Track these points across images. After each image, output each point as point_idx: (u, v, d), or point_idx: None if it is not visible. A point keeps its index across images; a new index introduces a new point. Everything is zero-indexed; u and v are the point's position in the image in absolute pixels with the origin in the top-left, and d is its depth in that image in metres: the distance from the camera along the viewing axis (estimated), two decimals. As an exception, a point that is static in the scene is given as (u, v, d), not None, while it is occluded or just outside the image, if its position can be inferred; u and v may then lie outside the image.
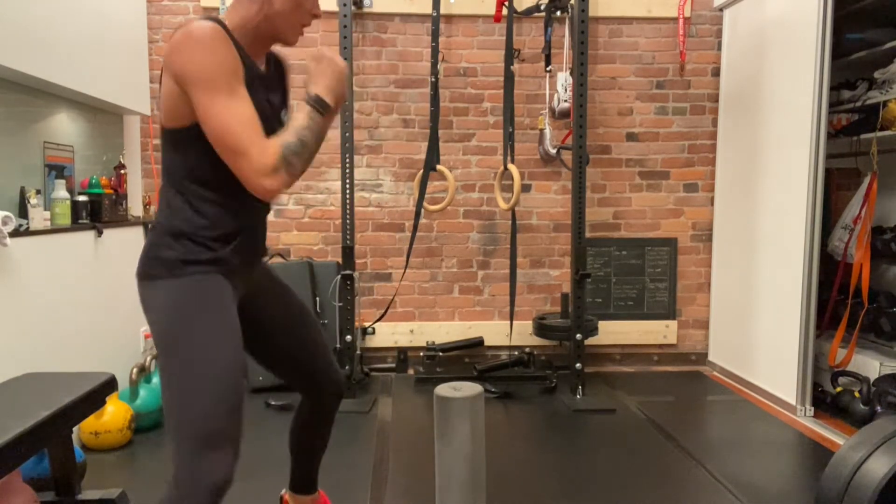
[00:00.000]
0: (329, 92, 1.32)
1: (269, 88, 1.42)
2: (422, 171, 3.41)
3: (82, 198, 2.73)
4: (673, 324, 3.89)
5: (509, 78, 3.33)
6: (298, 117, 1.29)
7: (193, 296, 1.32)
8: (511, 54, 3.33)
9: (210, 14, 3.54)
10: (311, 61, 1.35)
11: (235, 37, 1.30)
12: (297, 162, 1.25)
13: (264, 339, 1.58)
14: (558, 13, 3.52)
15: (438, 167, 3.39)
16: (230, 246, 1.36)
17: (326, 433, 1.76)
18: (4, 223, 2.08)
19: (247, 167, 1.22)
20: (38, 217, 2.37)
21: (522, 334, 3.73)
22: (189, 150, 1.30)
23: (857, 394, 2.88)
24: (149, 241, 1.36)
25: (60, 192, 2.55)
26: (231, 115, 1.21)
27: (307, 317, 1.65)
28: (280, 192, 1.27)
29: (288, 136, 1.25)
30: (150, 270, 1.33)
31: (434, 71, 3.38)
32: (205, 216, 1.33)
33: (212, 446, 1.28)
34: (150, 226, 1.34)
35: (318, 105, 1.29)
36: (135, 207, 3.37)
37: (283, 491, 1.87)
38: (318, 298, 3.45)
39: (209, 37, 1.21)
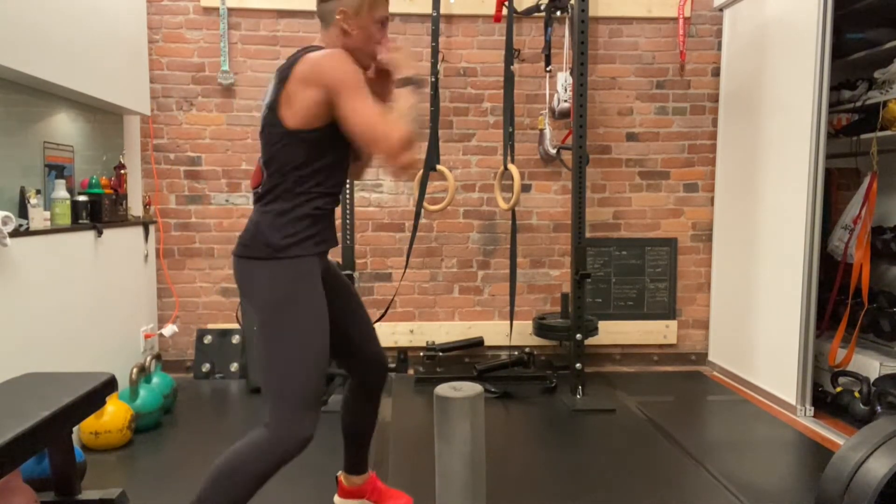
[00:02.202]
0: (410, 120, 1.58)
1: None
2: (422, 171, 3.41)
3: (82, 198, 2.73)
4: (673, 324, 3.89)
5: (509, 78, 3.33)
6: (400, 103, 1.58)
7: (299, 276, 1.57)
8: (511, 54, 3.33)
9: (210, 16, 3.56)
10: (393, 55, 1.66)
11: None
12: (416, 138, 1.54)
13: (331, 321, 1.75)
14: (558, 13, 3.52)
15: (438, 167, 3.39)
16: (326, 232, 1.65)
17: (374, 414, 1.99)
18: (4, 223, 2.08)
19: (387, 146, 1.49)
20: (38, 217, 2.37)
21: (522, 334, 3.73)
22: (314, 148, 1.57)
23: (857, 394, 2.88)
24: (259, 225, 1.59)
25: (60, 192, 2.55)
26: (371, 110, 1.51)
27: (358, 300, 1.90)
28: (411, 168, 1.56)
29: (404, 119, 1.54)
30: (258, 252, 1.57)
31: (434, 71, 3.38)
32: (314, 205, 1.60)
33: (308, 407, 1.54)
34: (260, 210, 1.61)
35: (417, 83, 1.61)
36: (135, 207, 3.38)
37: (339, 473, 2.07)
38: (318, 298, 3.45)
39: (345, 55, 1.55)
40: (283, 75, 1.54)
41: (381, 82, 1.72)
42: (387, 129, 1.50)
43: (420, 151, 3.66)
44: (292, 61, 1.55)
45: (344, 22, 1.62)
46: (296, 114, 1.53)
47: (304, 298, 1.56)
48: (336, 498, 2.07)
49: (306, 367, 1.54)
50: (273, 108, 1.56)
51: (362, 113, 1.50)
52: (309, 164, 1.57)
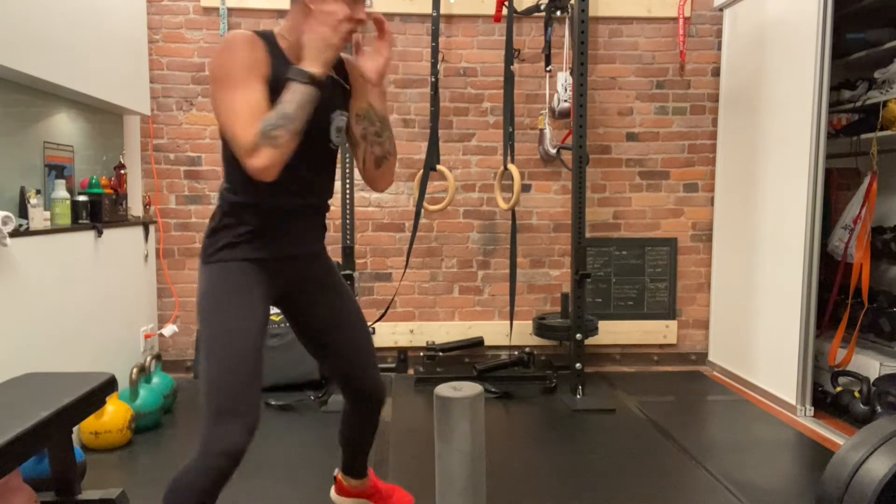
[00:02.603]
0: (314, 59, 1.40)
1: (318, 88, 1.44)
2: (422, 171, 3.41)
3: (82, 198, 2.73)
4: (673, 324, 3.89)
5: (509, 78, 3.33)
6: (284, 92, 1.38)
7: (219, 282, 1.49)
8: (511, 54, 3.33)
9: (210, 16, 3.55)
10: (305, 34, 1.43)
11: (283, 43, 1.49)
12: (280, 133, 1.34)
13: (311, 334, 1.71)
14: (558, 13, 3.52)
15: (438, 167, 3.39)
16: (264, 239, 1.53)
17: (369, 433, 1.88)
18: (4, 223, 2.08)
19: (237, 150, 1.37)
20: (38, 217, 2.37)
21: (522, 334, 3.73)
22: (225, 152, 1.50)
23: (857, 394, 2.88)
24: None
25: (60, 192, 2.55)
26: (231, 105, 1.37)
27: (354, 321, 1.73)
28: (273, 169, 1.36)
29: (269, 113, 1.36)
30: (201, 254, 1.54)
31: (434, 71, 3.38)
32: (232, 213, 1.51)
33: (225, 419, 1.40)
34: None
35: (298, 77, 1.38)
36: (135, 207, 3.37)
37: (336, 471, 2.01)
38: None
39: (232, 41, 1.41)
40: None
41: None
42: (240, 127, 1.35)
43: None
44: None
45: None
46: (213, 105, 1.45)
47: (218, 306, 1.47)
48: (333, 495, 2.04)
49: (217, 379, 1.42)
50: None
51: (219, 107, 1.39)
52: (228, 164, 1.50)
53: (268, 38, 1.47)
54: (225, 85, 1.38)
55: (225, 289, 1.48)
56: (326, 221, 1.72)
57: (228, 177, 1.53)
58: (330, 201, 1.69)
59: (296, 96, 1.36)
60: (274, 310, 3.47)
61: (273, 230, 1.54)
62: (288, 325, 3.32)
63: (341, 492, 2.02)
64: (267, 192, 1.46)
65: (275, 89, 1.40)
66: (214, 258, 1.50)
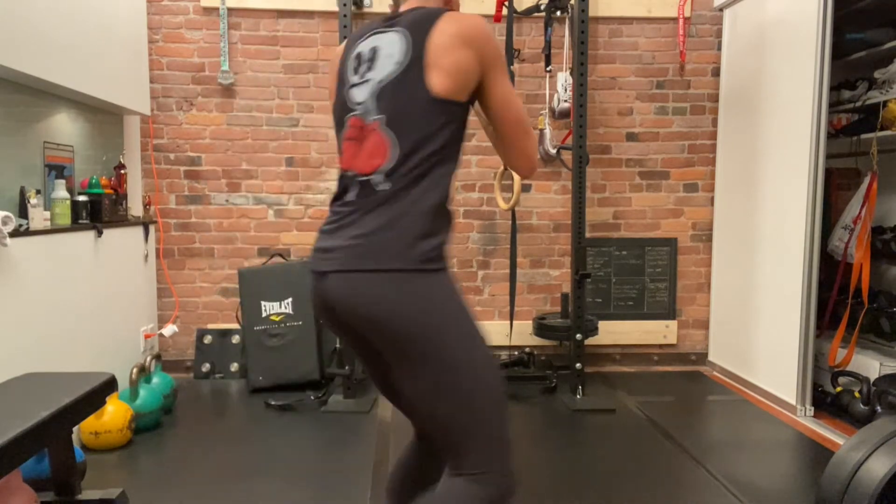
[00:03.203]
0: None
1: None
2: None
3: (82, 198, 2.73)
4: (673, 324, 3.89)
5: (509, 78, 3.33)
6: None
7: (452, 289, 1.23)
8: (511, 54, 3.33)
9: (210, 16, 3.56)
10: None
11: None
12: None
13: None
14: (558, 13, 3.52)
15: (438, 167, 3.38)
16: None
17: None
18: (4, 223, 2.08)
19: (531, 145, 1.32)
20: (38, 217, 2.37)
21: (522, 334, 3.73)
22: (454, 124, 1.26)
23: (857, 394, 2.88)
24: (404, 222, 1.19)
25: (60, 192, 2.55)
26: (517, 99, 1.32)
27: None
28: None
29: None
30: (399, 261, 1.17)
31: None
32: (446, 207, 1.27)
33: (509, 444, 1.27)
34: (391, 203, 1.20)
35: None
36: (135, 207, 3.38)
37: None
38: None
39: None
40: (415, 29, 1.23)
41: None
42: (529, 126, 1.33)
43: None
44: (422, 16, 1.25)
45: None
46: (452, 79, 1.21)
47: (465, 316, 1.23)
48: None
49: (500, 397, 1.25)
50: (412, 67, 1.21)
51: (513, 98, 1.30)
52: (454, 143, 1.27)
53: None
54: (504, 72, 1.28)
55: (461, 300, 1.24)
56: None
57: (455, 146, 1.28)
58: None
59: None
60: (274, 310, 3.46)
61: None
62: (288, 325, 3.34)
63: None
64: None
65: None
66: (440, 265, 1.22)
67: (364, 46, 1.31)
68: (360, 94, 1.28)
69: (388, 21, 1.31)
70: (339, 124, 1.34)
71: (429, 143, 1.22)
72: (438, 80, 1.20)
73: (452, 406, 1.20)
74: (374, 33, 1.30)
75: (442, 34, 1.21)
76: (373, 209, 1.21)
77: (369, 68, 1.27)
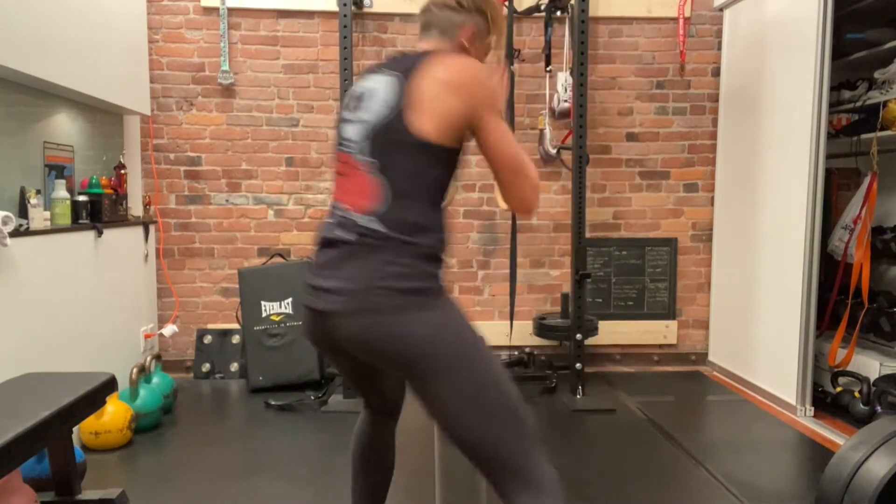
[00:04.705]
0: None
1: None
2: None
3: (82, 198, 2.73)
4: (673, 324, 3.89)
5: (509, 78, 3.33)
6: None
7: (455, 311, 1.35)
8: (511, 54, 3.33)
9: (210, 16, 3.55)
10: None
11: None
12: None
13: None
14: (558, 13, 3.52)
15: (438, 167, 3.38)
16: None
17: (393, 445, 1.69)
18: (4, 223, 2.08)
19: (529, 188, 1.34)
20: (38, 217, 2.37)
21: (522, 334, 3.73)
22: (444, 168, 1.34)
23: (857, 394, 2.88)
24: (394, 264, 1.24)
25: (60, 192, 2.55)
26: (513, 140, 1.35)
27: None
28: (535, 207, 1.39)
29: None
30: (418, 295, 1.25)
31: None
32: (441, 237, 1.33)
33: (539, 449, 1.31)
34: (378, 243, 1.26)
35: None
36: (135, 207, 3.38)
37: None
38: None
39: (488, 71, 1.35)
40: (407, 74, 1.29)
41: None
42: (529, 166, 1.34)
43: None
44: (417, 61, 1.31)
45: (469, 43, 1.46)
46: (438, 126, 1.28)
47: (471, 335, 1.35)
48: None
49: (521, 408, 1.29)
50: (401, 112, 1.27)
51: (505, 140, 1.33)
52: (441, 188, 1.34)
53: None
54: (496, 114, 1.33)
55: (465, 319, 1.36)
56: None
57: (442, 190, 1.35)
58: None
59: None
60: (274, 310, 3.46)
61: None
62: (288, 325, 3.34)
63: None
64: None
65: None
66: (441, 293, 1.32)
67: (363, 85, 1.38)
68: (349, 132, 1.35)
69: (394, 61, 1.37)
70: (335, 155, 1.43)
71: (418, 187, 1.29)
72: (424, 126, 1.26)
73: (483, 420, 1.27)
74: (376, 73, 1.37)
75: (430, 79, 1.27)
76: (370, 251, 1.25)
77: (362, 108, 1.34)
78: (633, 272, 3.88)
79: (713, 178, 3.84)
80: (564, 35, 3.55)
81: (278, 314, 3.36)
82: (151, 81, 3.52)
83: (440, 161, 1.32)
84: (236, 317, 3.63)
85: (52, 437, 1.59)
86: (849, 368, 3.04)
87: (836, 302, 3.34)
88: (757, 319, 3.35)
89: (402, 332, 1.22)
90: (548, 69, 3.56)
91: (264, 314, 3.36)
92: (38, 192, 2.41)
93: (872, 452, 1.69)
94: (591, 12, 3.38)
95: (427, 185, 1.30)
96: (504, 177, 1.35)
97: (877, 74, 3.09)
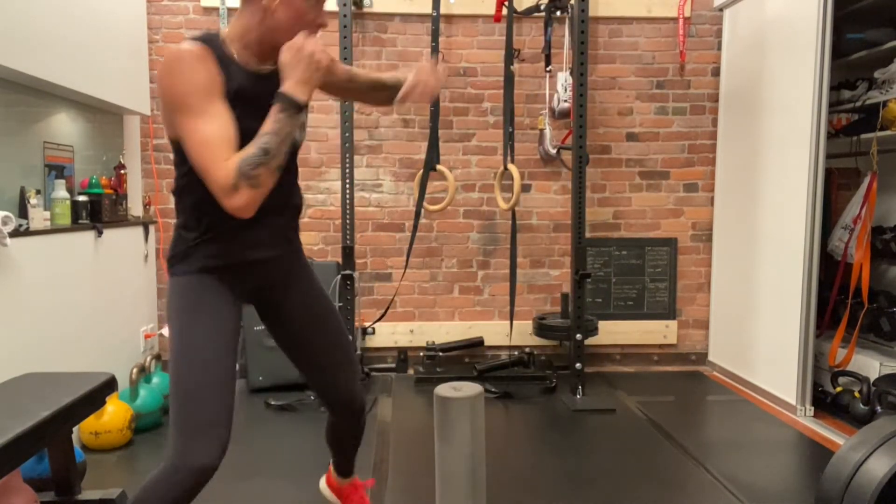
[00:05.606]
0: (300, 84, 1.31)
1: (270, 87, 1.35)
2: (422, 171, 3.41)
3: (82, 198, 2.73)
4: (673, 324, 3.89)
5: (509, 78, 3.33)
6: (266, 121, 1.29)
7: (182, 293, 1.44)
8: (511, 54, 3.33)
9: (210, 16, 3.55)
10: (284, 53, 1.32)
11: (232, 47, 1.38)
12: (261, 172, 1.26)
13: (288, 339, 1.64)
14: (558, 13, 3.52)
15: (438, 167, 3.39)
16: (219, 247, 1.44)
17: (353, 437, 1.83)
18: (4, 223, 2.08)
19: (213, 187, 1.27)
20: (38, 217, 2.37)
21: (522, 334, 3.73)
22: (186, 159, 1.35)
23: (857, 394, 2.88)
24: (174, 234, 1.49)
25: (60, 192, 2.55)
26: (198, 136, 1.27)
27: (328, 328, 1.64)
28: (252, 207, 1.28)
29: (249, 148, 1.27)
30: (167, 263, 1.49)
31: (434, 71, 3.38)
32: (196, 222, 1.42)
33: (195, 435, 1.35)
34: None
35: (284, 103, 1.29)
36: (135, 207, 3.37)
37: (331, 461, 1.95)
38: (318, 298, 3.45)
39: (180, 61, 1.28)
40: None
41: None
42: (213, 162, 1.25)
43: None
44: None
45: None
46: (165, 122, 1.38)
47: (184, 318, 1.41)
48: (322, 483, 1.99)
49: (188, 391, 1.35)
50: None
51: (189, 138, 1.27)
52: (186, 178, 1.38)
53: (215, 44, 1.34)
54: (184, 113, 1.26)
55: (186, 302, 1.42)
56: (301, 221, 1.63)
57: (190, 181, 1.37)
58: (301, 198, 1.60)
59: (283, 127, 1.28)
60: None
61: (234, 235, 1.43)
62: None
63: (328, 482, 1.97)
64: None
65: (233, 103, 1.32)
66: (177, 270, 1.45)
67: None
68: None
69: None
70: None
71: (178, 176, 1.43)
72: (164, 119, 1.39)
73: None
74: None
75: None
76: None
77: None
78: (633, 272, 3.88)
79: (713, 178, 3.84)
80: (564, 35, 3.55)
81: (278, 314, 3.36)
82: (151, 81, 3.51)
83: (183, 155, 1.35)
84: (236, 317, 3.63)
85: (52, 437, 1.59)
86: (849, 368, 3.04)
87: (836, 302, 3.34)
88: (757, 319, 3.35)
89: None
90: (548, 69, 3.56)
91: (264, 314, 3.36)
92: (38, 192, 2.41)
93: (872, 452, 1.69)
94: (591, 12, 3.38)
95: (182, 173, 1.42)
96: (199, 172, 1.31)
97: (877, 74, 3.09)
